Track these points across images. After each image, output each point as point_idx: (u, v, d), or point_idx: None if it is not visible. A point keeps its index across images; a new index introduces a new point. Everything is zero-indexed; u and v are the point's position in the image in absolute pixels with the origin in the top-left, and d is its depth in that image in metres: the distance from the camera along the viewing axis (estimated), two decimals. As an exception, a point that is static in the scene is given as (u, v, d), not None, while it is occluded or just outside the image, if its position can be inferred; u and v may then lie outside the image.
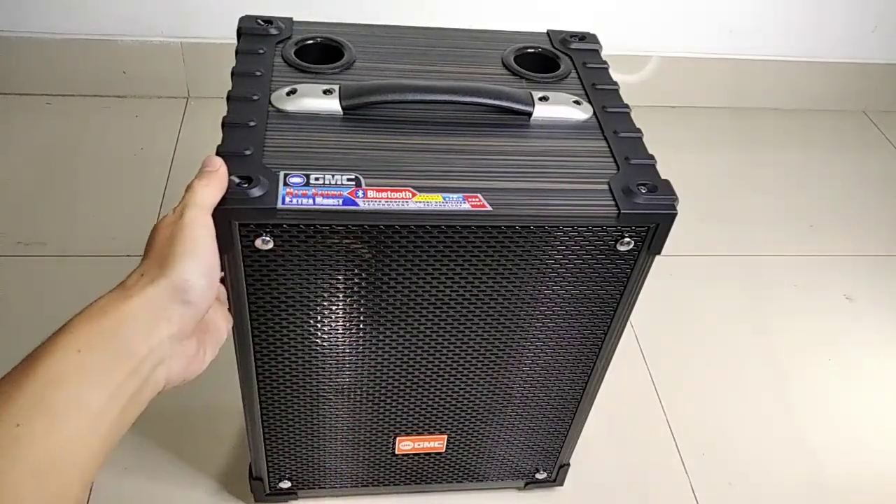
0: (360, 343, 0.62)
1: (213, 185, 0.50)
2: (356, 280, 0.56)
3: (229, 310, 0.56)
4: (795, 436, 0.94)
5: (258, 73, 0.61)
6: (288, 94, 0.59)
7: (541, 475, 0.81)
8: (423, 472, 0.78)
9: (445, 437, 0.73)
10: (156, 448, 0.84)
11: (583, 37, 0.72)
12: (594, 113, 0.63)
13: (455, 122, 0.60)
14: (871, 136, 1.50)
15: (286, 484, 0.76)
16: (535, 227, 0.54)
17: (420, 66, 0.66)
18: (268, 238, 0.52)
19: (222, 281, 0.54)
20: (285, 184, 0.52)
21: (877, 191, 1.36)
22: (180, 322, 0.46)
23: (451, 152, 0.57)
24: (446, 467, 0.78)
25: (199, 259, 0.47)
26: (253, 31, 0.66)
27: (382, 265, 0.55)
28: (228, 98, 0.59)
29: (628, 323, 0.64)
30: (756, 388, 0.99)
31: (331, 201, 0.51)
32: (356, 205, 0.52)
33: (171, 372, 0.46)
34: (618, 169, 0.58)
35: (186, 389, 0.90)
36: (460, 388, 0.68)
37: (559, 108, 0.62)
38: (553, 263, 0.57)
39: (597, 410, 0.73)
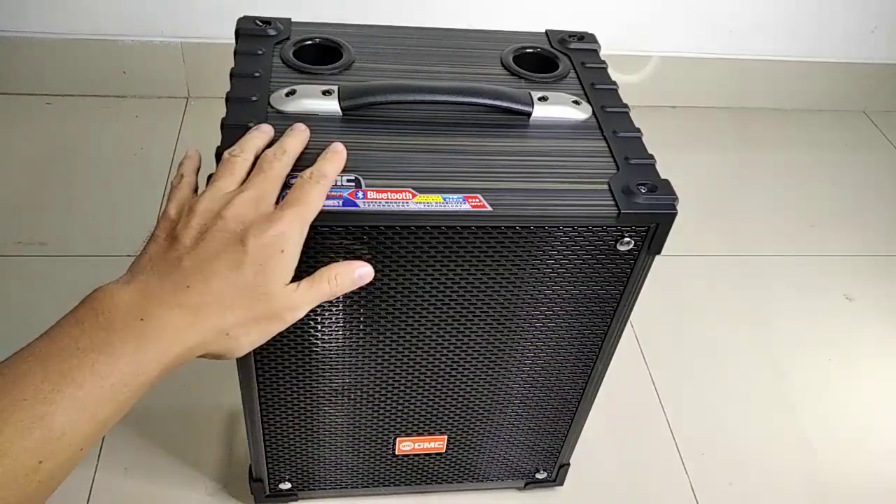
0: (360, 344, 0.62)
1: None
2: (356, 281, 0.56)
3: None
4: (795, 436, 0.94)
5: (257, 75, 0.61)
6: (287, 95, 0.59)
7: (541, 475, 0.81)
8: (423, 473, 0.78)
9: (445, 437, 0.73)
10: (156, 448, 0.84)
11: (581, 36, 0.72)
12: (593, 113, 0.63)
13: (454, 123, 0.60)
14: (871, 136, 1.50)
15: (286, 485, 0.76)
16: (535, 227, 0.54)
17: (419, 66, 0.66)
18: (267, 239, 0.52)
19: None
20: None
21: (877, 191, 1.36)
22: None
23: (451, 153, 0.57)
24: (446, 468, 0.78)
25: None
26: (251, 32, 0.66)
27: (382, 266, 0.55)
28: (227, 99, 0.59)
29: (628, 323, 0.64)
30: (756, 388, 0.99)
31: (331, 202, 0.51)
32: (356, 206, 0.52)
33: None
34: (617, 169, 0.58)
35: (187, 390, 0.90)
36: (460, 389, 0.68)
37: (558, 108, 0.62)
38: (553, 263, 0.57)
39: (597, 410, 0.73)
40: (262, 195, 0.48)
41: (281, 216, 0.47)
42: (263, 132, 0.54)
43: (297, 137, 0.53)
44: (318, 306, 0.58)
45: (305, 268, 0.55)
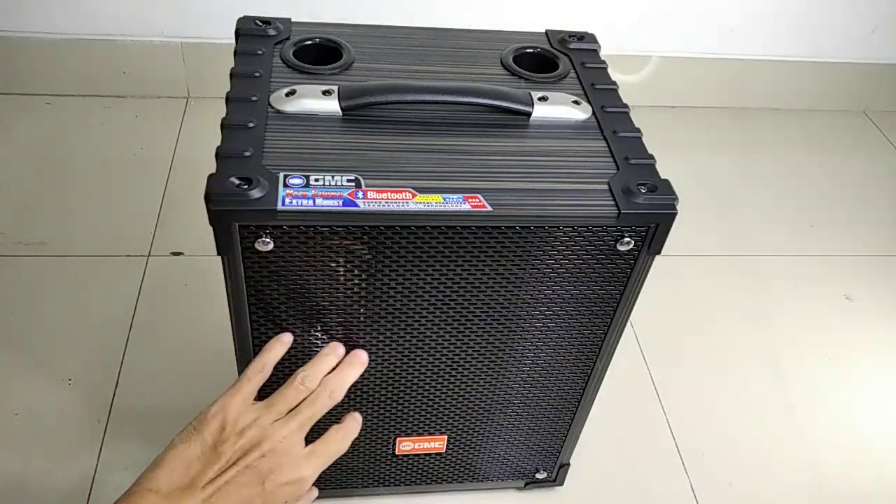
0: (360, 344, 0.62)
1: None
2: (356, 281, 0.56)
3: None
4: (795, 436, 0.94)
5: (257, 75, 0.61)
6: (287, 94, 0.59)
7: (541, 475, 0.81)
8: (423, 473, 0.78)
9: (445, 437, 0.73)
10: (156, 448, 0.84)
11: (581, 36, 0.72)
12: (593, 113, 0.63)
13: (454, 123, 0.60)
14: (871, 136, 1.50)
15: (286, 484, 0.76)
16: (535, 227, 0.54)
17: (419, 66, 0.66)
18: (268, 239, 0.52)
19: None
20: (285, 185, 0.52)
21: (877, 191, 1.36)
22: None
23: (451, 153, 0.57)
24: (446, 467, 0.78)
25: None
26: (251, 32, 0.66)
27: (382, 266, 0.55)
28: (227, 99, 0.59)
29: (628, 323, 0.64)
30: (756, 387, 0.99)
31: (331, 202, 0.51)
32: (356, 206, 0.52)
33: None
34: (617, 169, 0.58)
35: (187, 390, 0.90)
36: (460, 389, 0.68)
37: (558, 108, 0.62)
38: (553, 263, 0.57)
39: (597, 410, 0.73)
40: (304, 426, 0.56)
41: (308, 462, 0.56)
42: (337, 355, 0.60)
43: (357, 369, 0.60)
44: (318, 306, 0.58)
45: (306, 267, 0.55)
